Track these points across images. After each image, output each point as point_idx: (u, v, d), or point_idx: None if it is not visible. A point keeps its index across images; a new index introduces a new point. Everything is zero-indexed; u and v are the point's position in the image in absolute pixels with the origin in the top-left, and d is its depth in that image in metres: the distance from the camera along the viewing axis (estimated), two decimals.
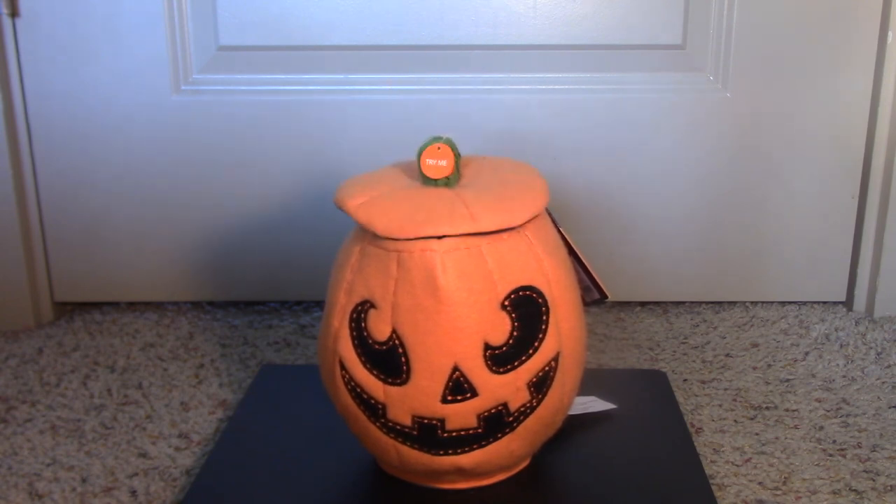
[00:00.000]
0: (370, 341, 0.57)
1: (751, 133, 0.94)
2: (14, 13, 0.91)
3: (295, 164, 0.95)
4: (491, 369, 0.56)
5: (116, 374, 0.86)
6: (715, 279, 0.99)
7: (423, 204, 0.57)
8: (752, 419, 0.76)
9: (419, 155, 0.59)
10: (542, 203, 0.59)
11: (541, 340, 0.57)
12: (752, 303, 1.00)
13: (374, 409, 0.58)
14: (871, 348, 0.89)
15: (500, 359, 0.56)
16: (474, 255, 0.55)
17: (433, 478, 0.62)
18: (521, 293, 0.56)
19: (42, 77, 0.93)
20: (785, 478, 0.67)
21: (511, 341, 0.56)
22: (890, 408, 0.77)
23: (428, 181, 0.59)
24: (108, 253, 0.98)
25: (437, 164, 0.59)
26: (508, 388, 0.57)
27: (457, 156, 0.59)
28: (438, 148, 0.59)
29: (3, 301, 0.97)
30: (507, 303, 0.56)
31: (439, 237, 0.55)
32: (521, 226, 0.58)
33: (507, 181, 0.60)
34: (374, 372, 0.57)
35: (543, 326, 0.57)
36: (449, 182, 0.59)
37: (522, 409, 0.58)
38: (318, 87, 0.94)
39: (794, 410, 0.77)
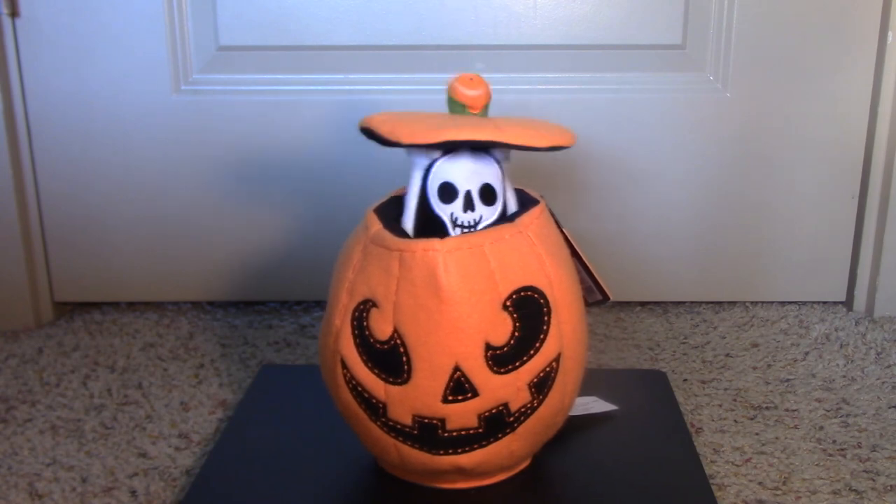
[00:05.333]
0: (371, 340, 0.57)
1: (751, 133, 0.94)
2: (14, 13, 0.91)
3: (295, 164, 0.95)
4: (492, 369, 0.56)
5: (116, 374, 0.86)
6: (715, 279, 0.99)
7: (448, 118, 0.57)
8: (752, 419, 0.76)
9: (449, 88, 0.59)
10: (569, 138, 0.58)
11: (542, 341, 0.57)
12: (752, 303, 1.00)
13: (375, 409, 0.58)
14: (871, 348, 0.89)
15: (502, 359, 0.56)
16: (476, 254, 0.55)
17: (433, 478, 0.62)
18: (522, 293, 0.56)
19: (42, 77, 0.93)
20: (785, 478, 0.67)
21: (512, 342, 0.56)
22: (890, 408, 0.78)
23: (457, 109, 0.59)
24: (108, 253, 0.98)
25: (472, 94, 0.59)
26: (509, 388, 0.57)
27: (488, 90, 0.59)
28: (472, 79, 0.58)
29: (3, 301, 0.96)
30: (508, 303, 0.56)
31: (446, 242, 0.55)
32: (523, 225, 0.58)
33: (535, 118, 0.60)
34: (375, 371, 0.57)
35: (545, 327, 0.57)
36: (482, 115, 0.59)
37: (523, 409, 0.58)
38: (318, 87, 0.94)
39: (794, 410, 0.77)
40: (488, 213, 0.58)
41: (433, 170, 0.58)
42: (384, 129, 0.56)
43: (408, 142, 0.55)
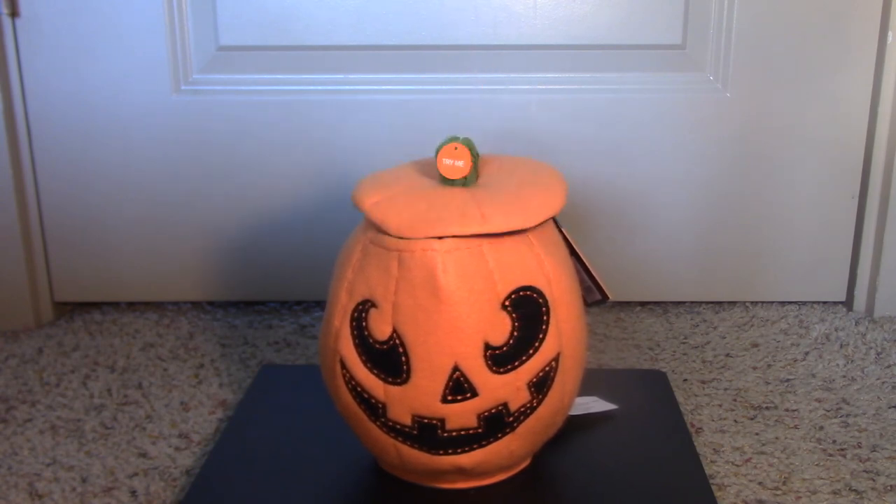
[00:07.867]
0: (371, 341, 0.57)
1: (751, 133, 0.94)
2: (14, 13, 0.91)
3: (294, 165, 0.95)
4: (491, 369, 0.56)
5: (116, 374, 0.86)
6: (715, 279, 0.99)
7: (436, 203, 0.57)
8: (752, 419, 0.76)
9: (437, 154, 0.59)
10: (558, 206, 0.59)
11: (541, 341, 0.57)
12: (752, 303, 1.00)
13: (375, 409, 0.58)
14: (871, 348, 0.89)
15: (501, 359, 0.56)
16: (475, 255, 0.55)
17: (433, 477, 0.62)
18: (521, 293, 0.56)
19: (42, 77, 0.93)
20: (785, 478, 0.67)
21: (511, 341, 0.56)
22: (890, 408, 0.78)
23: (445, 181, 0.60)
24: (108, 253, 0.98)
25: (454, 165, 0.59)
26: (509, 388, 0.57)
27: (474, 156, 0.59)
28: (455, 148, 0.59)
29: (3, 301, 0.97)
30: (507, 303, 0.56)
31: (440, 237, 0.55)
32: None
33: (525, 182, 0.60)
34: (375, 371, 0.57)
35: (544, 327, 0.57)
36: (466, 182, 0.59)
37: (523, 409, 0.58)
38: (318, 87, 0.94)
39: (794, 410, 0.77)
40: None
41: None
42: (375, 216, 0.57)
43: (396, 235, 0.56)
